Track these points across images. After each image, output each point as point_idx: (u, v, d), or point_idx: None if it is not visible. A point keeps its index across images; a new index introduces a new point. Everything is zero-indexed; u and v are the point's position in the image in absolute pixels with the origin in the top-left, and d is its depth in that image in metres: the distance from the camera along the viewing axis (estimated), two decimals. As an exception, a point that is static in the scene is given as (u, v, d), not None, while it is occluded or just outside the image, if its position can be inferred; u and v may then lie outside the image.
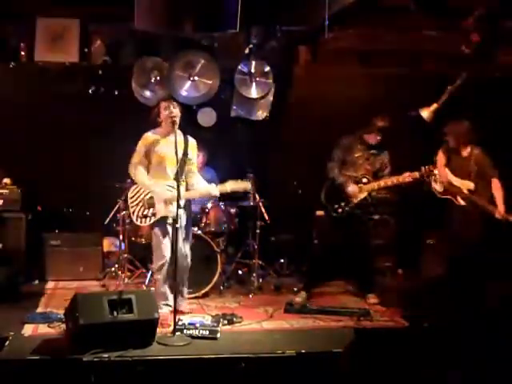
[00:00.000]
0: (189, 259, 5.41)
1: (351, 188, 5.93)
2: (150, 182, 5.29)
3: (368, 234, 6.14)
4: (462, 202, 5.83)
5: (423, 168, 5.71)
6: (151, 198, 5.30)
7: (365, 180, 5.95)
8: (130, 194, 5.46)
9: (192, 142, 5.42)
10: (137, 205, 5.36)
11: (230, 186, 5.32)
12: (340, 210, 5.99)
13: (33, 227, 6.86)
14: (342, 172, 6.01)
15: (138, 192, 5.40)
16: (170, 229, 5.23)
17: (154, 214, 5.27)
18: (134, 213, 5.36)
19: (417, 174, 5.76)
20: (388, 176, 5.95)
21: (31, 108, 7.15)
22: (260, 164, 7.25)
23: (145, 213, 5.29)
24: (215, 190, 5.32)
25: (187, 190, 5.41)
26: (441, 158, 6.01)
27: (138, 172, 5.32)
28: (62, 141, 7.22)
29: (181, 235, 5.16)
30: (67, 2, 6.77)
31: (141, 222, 5.33)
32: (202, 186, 5.42)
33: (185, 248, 5.33)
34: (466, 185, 5.85)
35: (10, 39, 7.13)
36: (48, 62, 7.11)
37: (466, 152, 5.93)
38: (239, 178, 6.78)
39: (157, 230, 5.28)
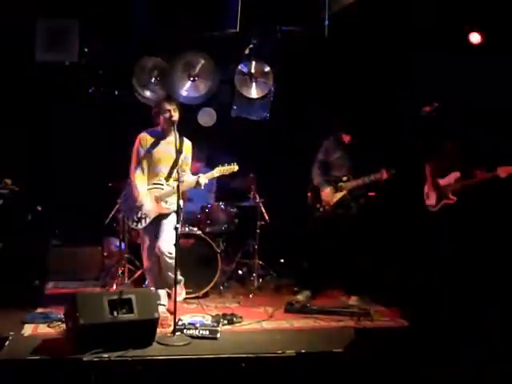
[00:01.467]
0: (166, 257, 5.22)
1: (324, 192, 6.02)
2: (140, 192, 5.28)
3: (350, 235, 6.00)
4: (453, 198, 5.70)
5: (401, 165, 5.73)
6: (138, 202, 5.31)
7: (345, 178, 6.00)
8: (120, 200, 5.49)
9: (187, 143, 5.43)
10: (129, 209, 5.36)
11: (217, 171, 5.36)
12: (322, 210, 6.06)
13: (33, 227, 6.85)
14: (327, 173, 6.08)
15: (127, 197, 5.40)
16: (154, 229, 5.26)
17: (145, 216, 5.28)
18: (128, 219, 5.38)
19: (393, 171, 5.76)
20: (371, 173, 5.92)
21: (31, 108, 7.14)
22: (260, 164, 7.24)
23: (138, 216, 5.31)
24: (202, 178, 5.32)
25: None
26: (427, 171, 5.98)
27: (135, 178, 5.32)
28: (62, 141, 7.22)
29: (163, 231, 5.18)
30: (67, 2, 6.77)
31: (136, 226, 5.34)
32: (188, 178, 5.41)
33: (161, 244, 5.24)
34: (454, 176, 5.77)
35: (10, 39, 7.12)
36: (48, 62, 7.11)
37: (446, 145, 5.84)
38: (239, 178, 6.84)
39: (141, 232, 5.34)
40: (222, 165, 5.38)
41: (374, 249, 6.36)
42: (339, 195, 5.99)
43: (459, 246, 5.57)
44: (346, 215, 6.00)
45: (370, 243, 6.06)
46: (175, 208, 5.09)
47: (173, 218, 5.15)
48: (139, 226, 5.33)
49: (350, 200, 6.00)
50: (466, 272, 5.51)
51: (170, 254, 5.12)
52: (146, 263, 5.39)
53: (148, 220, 5.28)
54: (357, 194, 6.01)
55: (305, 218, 6.65)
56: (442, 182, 5.78)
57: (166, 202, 5.27)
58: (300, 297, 5.96)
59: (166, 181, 5.29)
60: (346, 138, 6.06)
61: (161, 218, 5.28)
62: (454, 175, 5.69)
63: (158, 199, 5.26)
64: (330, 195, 6.00)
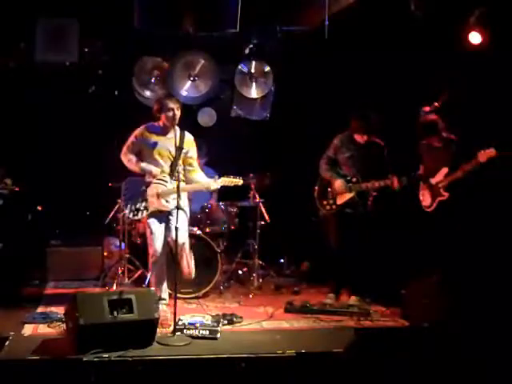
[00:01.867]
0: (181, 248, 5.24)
1: (337, 183, 5.90)
2: (142, 163, 5.32)
3: (358, 234, 5.96)
4: (446, 194, 5.74)
5: (412, 174, 5.67)
6: (144, 191, 5.32)
7: (354, 180, 5.90)
8: (123, 187, 5.47)
9: (189, 137, 5.43)
10: (129, 199, 5.36)
11: (221, 182, 5.34)
12: (328, 208, 5.99)
13: (33, 227, 6.86)
14: (332, 169, 6.00)
15: (129, 186, 5.41)
16: (162, 224, 5.28)
17: (146, 208, 5.29)
18: (126, 207, 5.38)
19: (404, 180, 5.71)
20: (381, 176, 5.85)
21: (31, 108, 7.15)
22: (260, 164, 7.25)
23: (137, 206, 5.30)
24: (213, 184, 5.32)
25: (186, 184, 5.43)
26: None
27: (129, 158, 5.37)
28: (62, 141, 7.23)
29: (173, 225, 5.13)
30: (67, 2, 6.78)
31: (133, 216, 5.34)
32: (203, 180, 5.43)
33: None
34: (443, 172, 5.78)
35: (10, 39, 7.13)
36: (48, 62, 7.12)
37: (438, 143, 5.86)
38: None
39: (148, 227, 5.32)
40: (228, 176, 5.37)
41: (379, 248, 6.38)
42: (348, 196, 5.92)
43: (457, 242, 5.58)
44: (353, 214, 5.95)
45: (376, 243, 6.06)
46: (170, 207, 5.14)
47: (181, 212, 5.04)
48: (136, 217, 5.33)
49: (358, 201, 5.95)
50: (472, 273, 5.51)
51: (184, 243, 5.25)
52: (153, 257, 5.32)
53: (145, 213, 5.28)
54: (365, 196, 5.98)
55: (306, 218, 6.67)
56: (433, 180, 5.79)
57: (167, 201, 5.27)
58: (328, 300, 5.90)
59: (170, 177, 5.29)
60: (362, 139, 5.93)
61: (167, 212, 5.28)
62: (443, 171, 5.72)
63: (159, 195, 5.26)
64: (342, 187, 5.87)
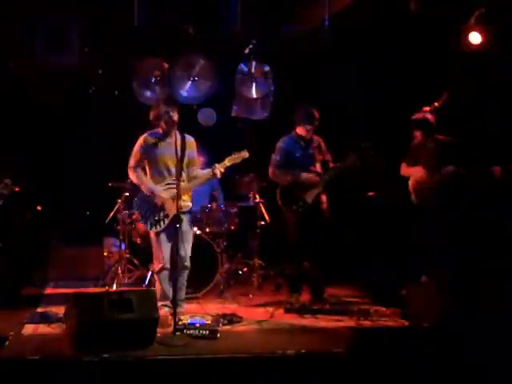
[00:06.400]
0: (186, 262, 5.34)
1: (304, 175, 5.89)
2: (151, 183, 5.30)
3: (320, 233, 6.00)
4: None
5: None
6: (158, 201, 5.28)
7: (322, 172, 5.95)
8: (135, 205, 5.42)
9: (190, 140, 5.42)
10: (146, 212, 5.31)
11: (228, 160, 5.34)
12: (300, 210, 5.90)
13: (33, 227, 6.86)
14: (289, 169, 5.96)
15: (143, 201, 5.36)
16: (170, 230, 5.23)
17: (166, 216, 5.25)
18: (146, 222, 5.31)
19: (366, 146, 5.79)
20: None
21: (31, 108, 7.15)
22: (260, 164, 7.24)
23: (156, 218, 5.26)
24: (215, 169, 5.30)
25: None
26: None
27: (137, 174, 5.34)
28: (62, 141, 7.23)
29: (180, 236, 5.15)
30: (67, 2, 6.78)
31: (156, 228, 5.27)
32: (202, 172, 5.46)
33: (184, 249, 5.30)
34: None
35: (10, 39, 7.13)
36: (48, 62, 7.11)
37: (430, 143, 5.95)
38: (239, 178, 6.83)
39: (158, 235, 5.29)
40: (233, 153, 5.34)
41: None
42: (316, 191, 5.87)
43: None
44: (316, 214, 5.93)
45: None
46: (190, 205, 5.25)
47: (188, 224, 5.32)
48: (158, 228, 5.26)
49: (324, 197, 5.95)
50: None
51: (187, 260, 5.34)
52: (159, 265, 5.30)
53: (167, 221, 5.24)
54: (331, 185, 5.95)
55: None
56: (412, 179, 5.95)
57: (184, 200, 5.25)
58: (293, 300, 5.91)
59: (178, 180, 5.26)
60: (308, 132, 5.96)
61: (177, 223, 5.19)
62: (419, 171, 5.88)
63: (174, 198, 5.22)
64: (311, 177, 5.88)
